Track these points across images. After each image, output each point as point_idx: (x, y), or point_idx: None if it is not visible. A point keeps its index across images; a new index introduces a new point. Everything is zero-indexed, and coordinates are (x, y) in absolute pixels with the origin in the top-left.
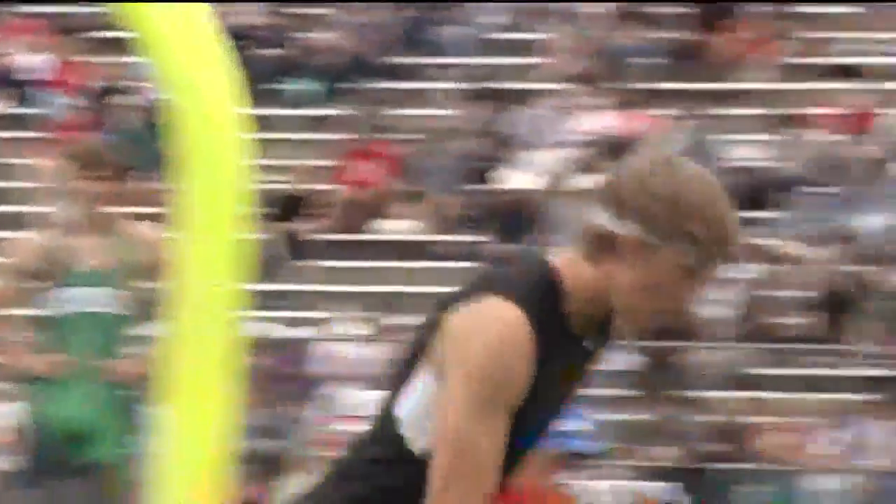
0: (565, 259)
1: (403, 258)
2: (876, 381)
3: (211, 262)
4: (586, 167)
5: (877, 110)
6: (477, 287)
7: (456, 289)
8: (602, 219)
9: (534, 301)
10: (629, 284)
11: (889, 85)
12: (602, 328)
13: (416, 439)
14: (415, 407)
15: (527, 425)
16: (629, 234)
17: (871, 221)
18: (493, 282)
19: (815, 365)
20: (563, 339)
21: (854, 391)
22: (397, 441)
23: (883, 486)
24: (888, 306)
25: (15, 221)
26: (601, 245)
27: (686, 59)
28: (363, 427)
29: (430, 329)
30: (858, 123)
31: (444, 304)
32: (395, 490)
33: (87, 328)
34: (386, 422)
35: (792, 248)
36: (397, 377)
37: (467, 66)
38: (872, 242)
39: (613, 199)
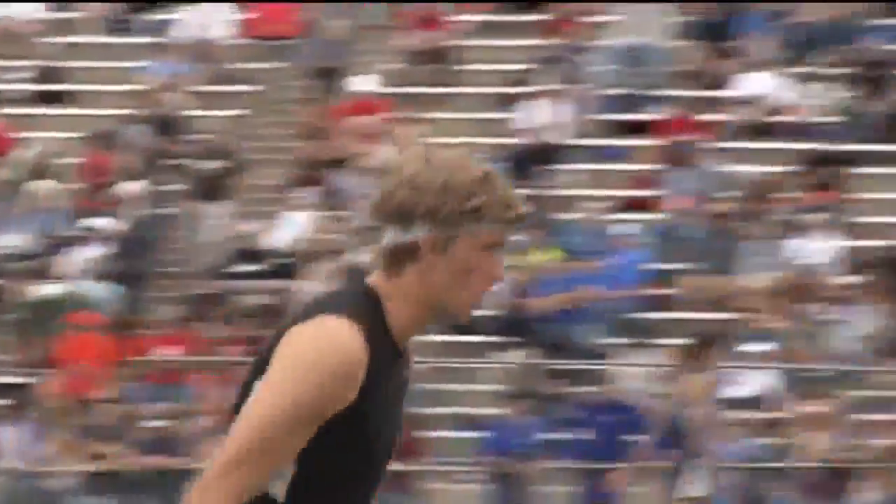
0: (380, 280)
1: None
2: (8, 387)
3: None
4: None
5: (12, 134)
6: (311, 310)
7: (293, 314)
8: (390, 236)
9: (364, 318)
10: (442, 281)
11: (25, 110)
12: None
13: (273, 486)
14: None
15: (371, 438)
16: (422, 237)
17: (7, 239)
18: (324, 304)
19: None
20: (391, 352)
21: None
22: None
23: (18, 487)
24: (22, 318)
25: None
26: (400, 259)
27: None
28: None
29: (269, 353)
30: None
31: (281, 328)
32: None
33: None
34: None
35: None
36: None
37: None
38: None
39: (393, 213)
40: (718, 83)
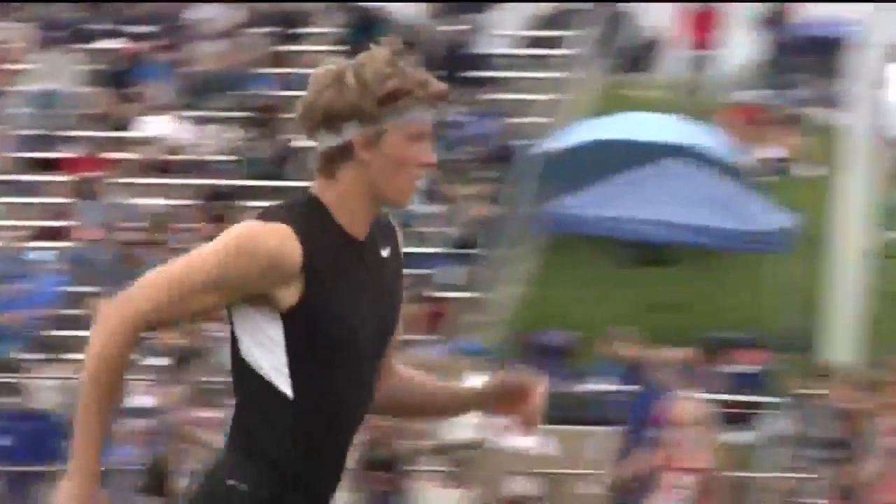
0: (319, 185)
1: None
2: None
3: None
4: None
5: None
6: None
7: None
8: (321, 142)
9: (299, 219)
10: (378, 175)
11: None
12: (373, 225)
13: (278, 380)
14: (263, 344)
15: (335, 323)
16: (352, 137)
17: None
18: (263, 213)
19: None
20: (344, 245)
21: None
22: (262, 387)
23: None
24: None
25: None
26: (335, 161)
27: None
28: None
29: None
30: None
31: None
32: (264, 441)
33: None
34: (243, 375)
35: None
36: (232, 336)
37: None
38: None
39: (318, 120)
40: (123, 125)
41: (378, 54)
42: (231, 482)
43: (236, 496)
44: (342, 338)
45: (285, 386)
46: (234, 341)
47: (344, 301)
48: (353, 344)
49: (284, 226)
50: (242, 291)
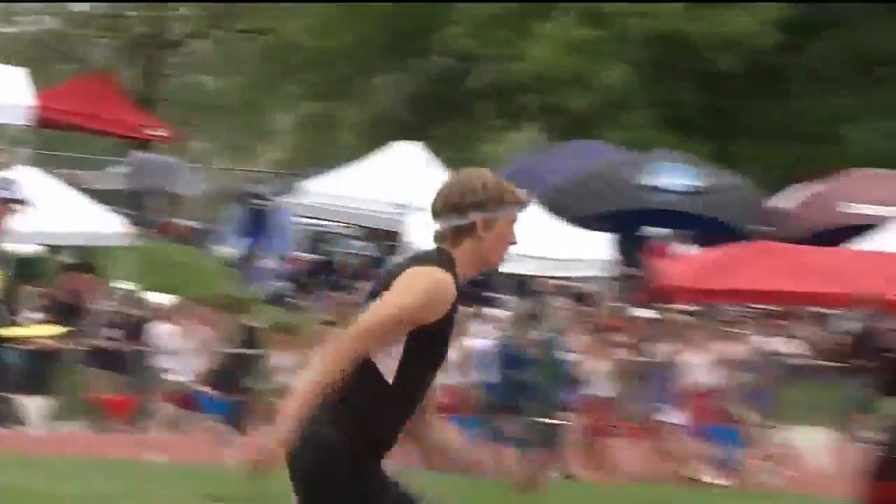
0: (448, 246)
1: None
2: None
3: None
4: None
5: None
6: (413, 261)
7: (399, 263)
8: (450, 221)
9: (451, 269)
10: (487, 247)
11: None
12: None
13: (387, 371)
14: (386, 349)
15: (439, 348)
16: (475, 219)
17: None
18: (423, 258)
19: None
20: (459, 291)
21: None
22: (373, 376)
23: None
24: None
25: None
26: (461, 235)
27: None
28: None
29: (384, 287)
30: None
31: (388, 274)
32: (384, 409)
33: None
34: (362, 365)
35: None
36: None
37: None
38: None
39: (451, 207)
40: None
41: (485, 171)
42: (329, 433)
43: (337, 443)
44: (442, 354)
45: (389, 378)
46: None
47: (451, 331)
48: (442, 358)
49: (450, 277)
50: (417, 324)
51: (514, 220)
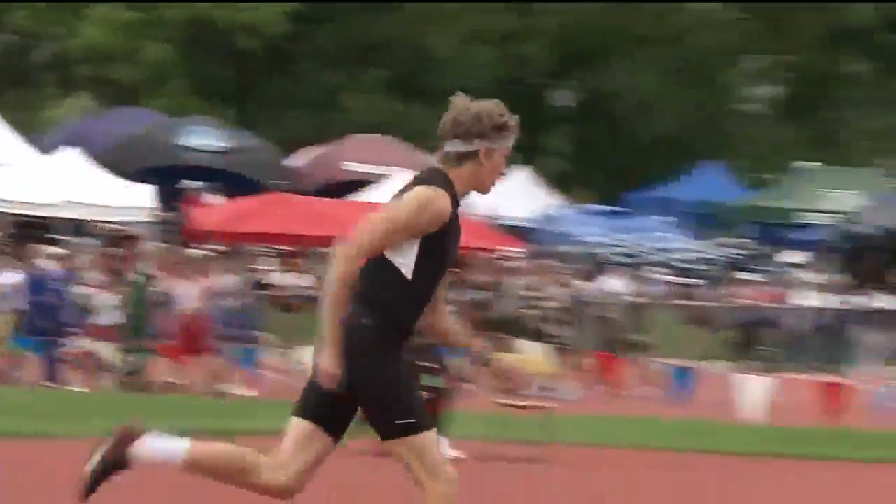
0: (447, 167)
1: None
2: None
3: None
4: None
5: None
6: (414, 181)
7: (405, 184)
8: (456, 146)
9: (446, 188)
10: (489, 170)
11: None
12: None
13: (405, 270)
14: (401, 250)
15: (442, 252)
16: (479, 146)
17: None
18: (424, 179)
19: None
20: (455, 205)
21: None
22: (394, 273)
23: None
24: None
25: None
26: (463, 158)
27: None
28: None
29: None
30: None
31: (399, 192)
32: (394, 308)
33: None
34: (383, 264)
35: None
36: None
37: None
38: None
39: (459, 133)
40: None
41: (492, 102)
42: (364, 320)
43: (365, 327)
44: (447, 256)
45: (408, 274)
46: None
47: (452, 237)
48: (448, 259)
49: (445, 193)
50: (417, 233)
51: (508, 152)
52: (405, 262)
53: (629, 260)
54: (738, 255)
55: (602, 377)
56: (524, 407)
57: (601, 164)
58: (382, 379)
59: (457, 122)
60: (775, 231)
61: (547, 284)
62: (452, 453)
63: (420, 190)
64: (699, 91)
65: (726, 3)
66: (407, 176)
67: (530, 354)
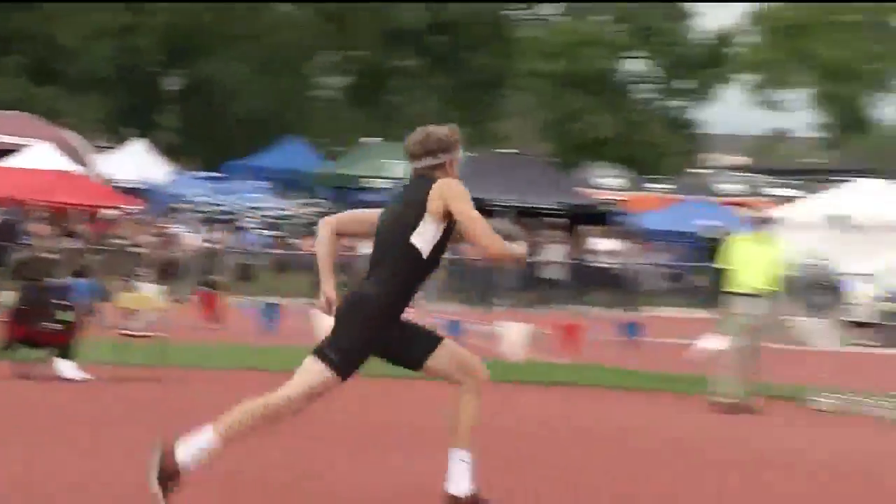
0: (433, 175)
1: None
2: None
3: None
4: None
5: None
6: (419, 185)
7: (406, 188)
8: (429, 161)
9: None
10: (452, 174)
11: None
12: None
13: (424, 250)
14: (425, 234)
15: (450, 232)
16: (445, 159)
17: None
18: (433, 178)
19: None
20: None
21: None
22: (415, 253)
23: None
24: None
25: None
26: (436, 168)
27: None
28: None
29: (411, 205)
30: None
31: (408, 194)
32: (417, 274)
33: None
34: (406, 247)
35: None
36: (403, 228)
37: None
38: None
39: (428, 151)
40: None
41: (444, 126)
42: (374, 292)
43: (370, 297)
44: (450, 237)
45: (426, 253)
46: (407, 232)
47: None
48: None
49: None
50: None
51: (461, 159)
52: (424, 243)
53: (229, 217)
54: (317, 213)
55: (204, 312)
56: (141, 336)
57: (205, 138)
58: (367, 334)
59: (425, 145)
60: (347, 194)
61: (147, 235)
62: (81, 375)
63: (452, 181)
64: (284, 79)
65: (301, 3)
66: (42, 145)
67: (145, 294)
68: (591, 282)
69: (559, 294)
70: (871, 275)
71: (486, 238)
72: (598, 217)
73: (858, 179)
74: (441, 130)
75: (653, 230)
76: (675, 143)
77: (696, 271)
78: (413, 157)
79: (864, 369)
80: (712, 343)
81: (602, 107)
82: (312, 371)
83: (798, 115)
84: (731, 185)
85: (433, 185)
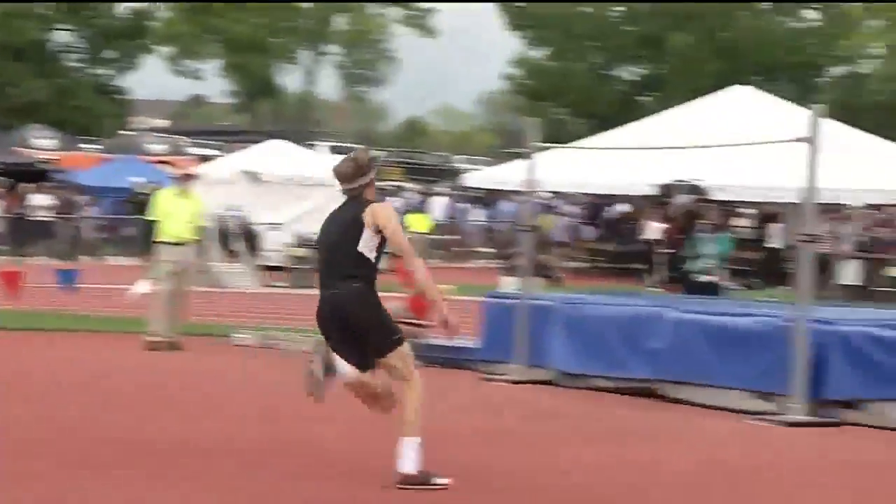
0: (363, 195)
1: None
2: None
3: None
4: None
5: None
6: (361, 203)
7: (342, 209)
8: (359, 181)
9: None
10: (374, 189)
11: None
12: None
13: (369, 254)
14: (367, 243)
15: (382, 243)
16: (370, 178)
17: None
18: (364, 200)
19: None
20: None
21: None
22: (363, 258)
23: None
24: None
25: None
26: (364, 187)
27: None
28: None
29: (352, 222)
30: None
31: (348, 213)
32: (370, 276)
33: None
34: (355, 255)
35: None
36: (348, 240)
37: None
38: None
39: (358, 173)
40: None
41: (361, 149)
42: (359, 285)
43: (361, 287)
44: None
45: (372, 258)
46: (353, 244)
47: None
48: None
49: None
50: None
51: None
52: (369, 252)
53: None
54: None
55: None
56: None
57: None
58: (379, 313)
59: (355, 168)
60: None
61: None
62: None
63: (385, 206)
64: None
65: None
66: None
67: None
68: (30, 234)
69: None
70: (282, 224)
71: (411, 260)
72: (36, 175)
73: (268, 140)
74: (361, 154)
75: (89, 186)
76: (105, 107)
77: (129, 223)
78: (344, 180)
79: (279, 308)
80: (144, 288)
81: (35, 74)
82: (407, 353)
83: (213, 82)
84: (157, 146)
85: (366, 209)
